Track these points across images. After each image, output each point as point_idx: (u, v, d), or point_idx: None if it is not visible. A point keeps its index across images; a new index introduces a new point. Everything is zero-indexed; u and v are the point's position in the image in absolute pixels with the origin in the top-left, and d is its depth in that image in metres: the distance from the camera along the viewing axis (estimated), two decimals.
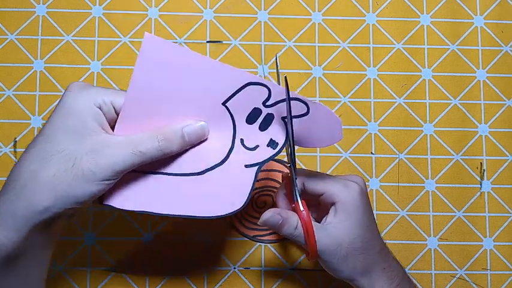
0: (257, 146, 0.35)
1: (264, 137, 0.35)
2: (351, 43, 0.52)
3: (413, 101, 0.52)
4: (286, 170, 0.47)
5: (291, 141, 0.36)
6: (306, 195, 0.40)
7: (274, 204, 0.45)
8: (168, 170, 0.34)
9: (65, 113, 0.29)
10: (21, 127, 0.49)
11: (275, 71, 0.52)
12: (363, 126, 0.51)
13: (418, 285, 0.42)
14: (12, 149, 0.49)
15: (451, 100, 0.52)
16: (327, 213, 0.39)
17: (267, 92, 0.34)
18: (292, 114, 0.34)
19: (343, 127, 0.51)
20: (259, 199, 0.49)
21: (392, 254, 0.42)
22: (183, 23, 0.52)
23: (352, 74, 0.52)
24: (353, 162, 0.51)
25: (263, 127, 0.35)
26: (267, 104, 0.35)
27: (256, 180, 0.34)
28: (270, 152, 0.35)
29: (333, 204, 0.39)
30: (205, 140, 0.34)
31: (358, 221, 0.38)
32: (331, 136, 0.37)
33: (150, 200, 0.33)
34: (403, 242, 0.50)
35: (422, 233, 0.50)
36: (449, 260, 0.49)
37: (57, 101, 0.31)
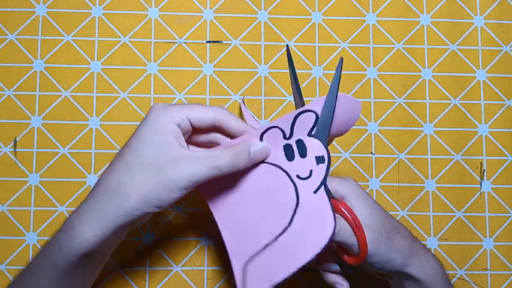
0: (311, 171, 0.36)
1: (310, 159, 0.36)
2: (351, 43, 0.52)
3: (413, 101, 0.52)
4: None
5: (327, 133, 0.37)
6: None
7: None
8: (268, 238, 0.36)
9: (149, 129, 0.34)
10: (21, 127, 0.49)
11: (275, 71, 0.52)
12: (363, 126, 0.51)
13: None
14: (12, 149, 0.49)
15: (451, 100, 0.52)
16: None
17: (278, 129, 0.37)
18: (307, 129, 0.36)
19: None
20: None
21: None
22: (183, 23, 0.52)
23: (352, 74, 0.52)
24: (353, 162, 0.51)
25: (302, 154, 0.36)
26: (287, 136, 0.37)
27: (330, 197, 0.35)
28: (323, 167, 0.36)
29: (342, 198, 0.38)
30: (276, 196, 0.36)
31: (374, 204, 0.38)
32: (351, 117, 0.38)
33: (274, 272, 0.35)
34: None
35: (422, 233, 0.50)
36: (449, 260, 0.49)
37: (142, 120, 0.35)
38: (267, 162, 0.37)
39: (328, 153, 0.36)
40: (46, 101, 0.50)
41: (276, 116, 0.51)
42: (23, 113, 0.50)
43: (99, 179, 0.34)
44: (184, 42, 0.52)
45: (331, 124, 0.36)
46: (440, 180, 0.51)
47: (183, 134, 0.35)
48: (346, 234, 0.36)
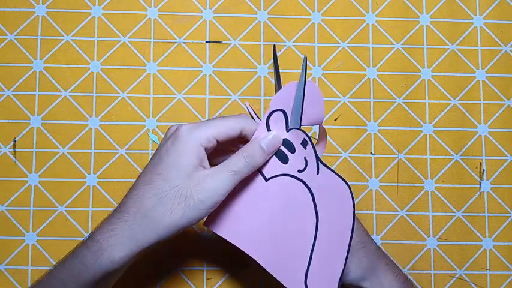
0: (305, 158, 0.37)
1: (299, 150, 0.36)
2: (351, 43, 0.52)
3: (413, 101, 0.52)
4: None
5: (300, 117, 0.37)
6: None
7: None
8: (309, 243, 0.36)
9: (176, 153, 0.34)
10: (20, 127, 0.49)
11: (274, 71, 0.52)
12: (363, 126, 0.51)
13: (417, 286, 0.43)
14: (12, 149, 0.49)
15: (451, 100, 0.52)
16: None
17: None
18: (282, 125, 0.37)
19: (342, 127, 0.51)
20: None
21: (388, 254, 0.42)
22: (183, 23, 0.52)
23: (352, 74, 0.52)
24: (352, 162, 0.51)
25: (291, 150, 0.37)
26: None
27: (328, 166, 0.37)
28: (310, 147, 0.37)
29: None
30: (292, 198, 0.37)
31: None
32: (318, 110, 0.38)
33: (332, 272, 0.36)
34: (403, 242, 0.50)
35: (421, 233, 0.50)
36: (448, 260, 0.50)
37: (167, 140, 0.35)
38: (268, 178, 0.37)
39: (305, 131, 0.36)
40: (45, 101, 0.50)
41: None
42: (23, 113, 0.50)
43: (126, 201, 0.35)
44: (184, 42, 0.52)
45: (301, 115, 0.36)
46: (440, 180, 0.51)
47: (208, 150, 0.36)
48: None
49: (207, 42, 0.52)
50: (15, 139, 0.49)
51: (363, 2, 0.53)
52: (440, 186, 0.51)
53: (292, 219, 0.36)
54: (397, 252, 0.49)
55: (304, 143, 0.36)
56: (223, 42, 0.52)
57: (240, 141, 0.37)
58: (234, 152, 0.37)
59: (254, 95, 0.51)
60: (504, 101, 0.52)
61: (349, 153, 0.51)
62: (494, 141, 0.51)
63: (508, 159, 0.51)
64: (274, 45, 0.40)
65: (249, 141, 0.37)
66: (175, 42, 0.51)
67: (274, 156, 0.37)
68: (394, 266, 0.41)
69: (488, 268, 0.50)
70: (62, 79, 0.50)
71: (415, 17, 0.53)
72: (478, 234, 0.50)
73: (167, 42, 0.51)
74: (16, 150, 0.49)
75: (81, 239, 0.48)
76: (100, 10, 0.52)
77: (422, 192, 0.50)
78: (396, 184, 0.51)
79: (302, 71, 0.36)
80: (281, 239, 0.36)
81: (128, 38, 0.51)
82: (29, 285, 0.47)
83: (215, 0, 0.52)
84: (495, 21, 0.53)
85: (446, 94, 0.52)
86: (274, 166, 0.37)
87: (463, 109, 0.52)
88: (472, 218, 0.50)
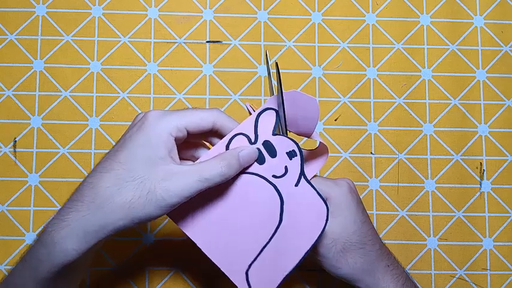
0: (286, 167, 0.36)
1: (281, 157, 0.36)
2: (351, 43, 0.52)
3: (413, 101, 0.52)
4: None
5: (283, 132, 0.37)
6: None
7: None
8: (262, 243, 0.36)
9: (142, 143, 0.32)
10: (21, 127, 0.49)
11: (274, 71, 0.52)
12: (363, 126, 0.51)
13: (419, 286, 0.43)
14: (12, 149, 0.49)
15: (451, 100, 0.52)
16: None
17: (242, 135, 0.37)
18: (271, 129, 0.37)
19: (342, 127, 0.51)
20: None
21: (392, 254, 0.42)
22: (183, 23, 0.52)
23: (352, 74, 0.52)
24: (353, 162, 0.51)
25: (272, 154, 0.36)
26: (253, 141, 0.37)
27: (313, 185, 0.36)
28: (297, 160, 0.36)
29: None
30: (258, 203, 0.36)
31: (352, 215, 0.39)
32: (312, 117, 0.38)
33: (279, 268, 0.36)
34: (403, 242, 0.50)
35: (422, 233, 0.50)
36: (449, 260, 0.49)
37: (133, 127, 0.33)
38: (239, 172, 0.36)
39: (298, 145, 0.36)
40: (46, 101, 0.50)
41: None
42: (23, 113, 0.50)
43: (81, 188, 0.32)
44: (184, 42, 0.52)
45: (285, 121, 0.36)
46: (440, 180, 0.51)
47: (178, 141, 0.34)
48: None
49: (207, 42, 0.52)
50: (16, 139, 0.49)
51: (363, 2, 0.53)
52: (441, 186, 0.51)
53: (249, 216, 0.36)
54: (397, 252, 0.49)
55: (291, 154, 0.36)
56: (224, 42, 0.52)
57: (211, 135, 0.36)
58: (205, 146, 0.37)
59: (254, 95, 0.51)
60: (504, 101, 0.52)
61: (349, 153, 0.51)
62: (494, 141, 0.51)
63: (508, 159, 0.51)
64: (266, 52, 0.41)
65: (222, 136, 0.36)
66: (176, 42, 0.51)
67: None
68: (395, 268, 0.40)
69: (488, 268, 0.50)
70: (62, 79, 0.50)
71: (416, 17, 0.53)
72: (478, 234, 0.50)
73: (167, 42, 0.51)
74: (16, 150, 0.49)
75: None
76: (100, 10, 0.52)
77: (422, 192, 0.50)
78: (396, 184, 0.50)
79: (276, 79, 0.35)
80: (232, 231, 0.36)
81: (128, 38, 0.51)
82: None
83: (215, 0, 0.52)
84: (495, 21, 0.53)
85: (447, 94, 0.52)
86: None
87: (463, 109, 0.52)
88: (472, 218, 0.50)
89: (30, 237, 0.48)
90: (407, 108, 0.52)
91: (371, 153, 0.51)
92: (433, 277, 0.49)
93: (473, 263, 0.49)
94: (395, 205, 0.50)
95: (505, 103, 0.52)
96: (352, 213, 0.39)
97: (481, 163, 0.51)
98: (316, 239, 0.36)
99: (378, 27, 0.53)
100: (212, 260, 0.36)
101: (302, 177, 0.36)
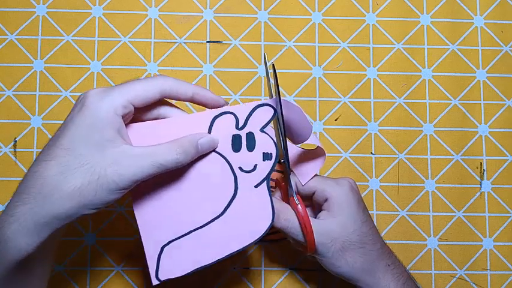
0: (256, 165, 0.36)
1: (257, 154, 0.36)
2: (351, 43, 0.52)
3: (413, 101, 0.52)
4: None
5: (283, 136, 0.37)
6: (299, 196, 0.41)
7: None
8: (195, 225, 0.36)
9: (85, 125, 0.30)
10: (21, 127, 0.49)
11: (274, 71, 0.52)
12: (363, 126, 0.51)
13: (419, 286, 0.43)
14: (12, 149, 0.49)
15: (451, 100, 0.52)
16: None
17: (233, 116, 0.36)
18: (262, 124, 0.36)
19: (342, 127, 0.51)
20: None
21: (394, 253, 0.42)
22: (183, 23, 0.52)
23: (352, 74, 0.52)
24: (353, 163, 0.51)
25: (250, 147, 0.36)
26: (239, 126, 0.36)
27: (271, 194, 0.36)
28: (269, 164, 0.36)
29: (325, 201, 0.39)
30: (212, 183, 0.36)
31: (352, 215, 0.39)
32: (306, 132, 0.38)
33: (195, 257, 0.35)
34: (403, 242, 0.50)
35: (422, 233, 0.50)
36: (449, 260, 0.49)
37: (74, 109, 0.31)
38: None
39: (277, 152, 0.36)
40: (46, 101, 0.50)
41: None
42: (23, 113, 0.50)
43: (25, 180, 0.30)
44: (184, 42, 0.52)
45: (283, 123, 0.36)
46: (440, 180, 0.51)
47: (126, 118, 0.32)
48: (296, 231, 0.38)
49: (207, 42, 0.52)
50: (16, 139, 0.49)
51: (363, 2, 0.53)
52: (441, 186, 0.51)
53: (195, 193, 0.35)
54: (397, 252, 0.49)
55: (266, 156, 0.36)
56: (224, 42, 0.52)
57: (162, 104, 0.35)
58: (168, 104, 0.35)
59: (254, 95, 0.51)
60: (504, 101, 0.52)
61: (349, 153, 0.51)
62: (494, 141, 0.51)
63: (508, 159, 0.51)
64: (264, 54, 0.42)
65: (175, 99, 0.34)
66: (176, 42, 0.51)
67: (232, 136, 0.36)
68: (396, 267, 0.40)
69: (488, 268, 0.50)
70: (62, 79, 0.50)
71: (416, 17, 0.53)
72: (478, 234, 0.50)
73: (167, 42, 0.51)
74: (17, 150, 0.49)
75: (82, 239, 0.48)
76: (100, 10, 0.52)
77: (422, 192, 0.50)
78: (397, 184, 0.51)
79: (274, 81, 0.35)
80: (172, 202, 0.35)
81: (129, 38, 0.51)
82: None
83: (215, 0, 0.52)
84: (495, 21, 0.53)
85: (447, 94, 0.52)
86: (223, 144, 0.36)
87: (463, 109, 0.52)
88: (472, 218, 0.50)
89: None
90: (407, 108, 0.52)
91: (371, 153, 0.51)
92: (433, 277, 0.49)
93: (473, 263, 0.49)
94: (395, 205, 0.50)
95: (505, 103, 0.52)
96: (353, 213, 0.39)
97: (481, 163, 0.51)
98: (244, 245, 0.35)
99: (378, 27, 0.53)
100: (138, 223, 0.35)
101: (265, 182, 0.36)
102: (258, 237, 0.35)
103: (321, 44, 0.52)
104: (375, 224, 0.50)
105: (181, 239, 0.35)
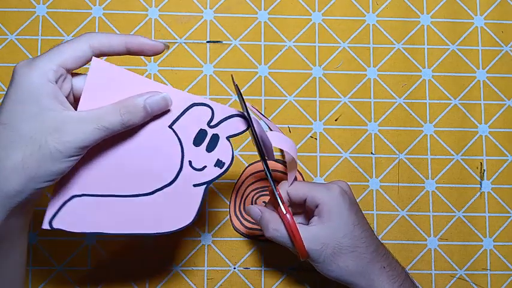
0: (205, 167, 0.36)
1: (211, 157, 0.36)
2: (351, 43, 0.52)
3: (413, 101, 0.52)
4: (286, 170, 0.47)
5: (262, 148, 0.37)
6: (292, 204, 0.42)
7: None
8: (118, 192, 0.35)
9: (19, 97, 0.29)
10: None
11: (275, 71, 0.52)
12: (363, 126, 0.51)
13: (419, 286, 0.43)
14: None
15: (451, 100, 0.52)
16: None
17: (210, 112, 0.36)
18: (231, 133, 0.36)
19: (342, 127, 0.51)
20: (259, 199, 0.49)
21: (392, 254, 0.42)
22: (183, 23, 0.52)
23: (352, 74, 0.52)
24: (353, 163, 0.51)
25: (210, 148, 0.36)
26: (211, 124, 0.36)
27: (204, 197, 0.36)
28: (217, 171, 0.36)
29: (316, 207, 0.40)
30: (155, 162, 0.35)
31: (343, 219, 0.39)
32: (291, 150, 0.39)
33: (99, 221, 0.35)
34: (403, 242, 0.50)
35: (422, 233, 0.50)
36: (449, 260, 0.50)
37: (9, 86, 0.30)
38: (174, 130, 0.35)
39: (230, 164, 0.36)
40: None
41: (277, 116, 0.51)
42: None
43: None
44: (185, 42, 0.52)
45: (257, 139, 0.36)
46: (440, 180, 0.51)
47: (62, 83, 0.31)
48: (285, 240, 0.39)
49: (207, 42, 0.52)
50: None
51: (363, 2, 0.53)
52: (441, 186, 0.51)
53: (132, 162, 0.34)
54: (397, 252, 0.49)
55: (219, 163, 0.36)
56: (224, 42, 0.52)
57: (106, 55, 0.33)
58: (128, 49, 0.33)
59: (254, 95, 0.51)
60: (504, 101, 0.52)
61: (349, 153, 0.51)
62: (494, 141, 0.51)
63: (508, 159, 0.51)
64: (232, 76, 0.41)
65: (110, 54, 0.33)
66: (176, 42, 0.51)
67: (199, 129, 0.35)
68: (392, 269, 0.40)
69: (488, 268, 0.50)
70: None
71: (416, 17, 0.53)
72: (478, 234, 0.50)
73: (168, 42, 0.51)
74: None
75: (82, 239, 0.48)
76: (100, 10, 0.52)
77: (422, 192, 0.50)
78: (397, 184, 0.51)
79: (239, 99, 0.36)
80: (103, 161, 0.34)
81: None
82: (30, 283, 0.47)
83: (216, 0, 0.52)
84: (495, 21, 0.53)
85: (447, 94, 0.52)
86: (187, 133, 0.35)
87: (463, 109, 0.52)
88: (472, 218, 0.50)
89: (31, 237, 0.48)
90: (407, 108, 0.52)
91: (371, 153, 0.51)
92: (433, 277, 0.49)
93: (473, 263, 0.49)
94: (395, 205, 0.50)
95: (505, 103, 0.52)
96: (343, 217, 0.39)
97: (481, 163, 0.51)
98: (148, 233, 0.35)
99: (378, 27, 0.53)
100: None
101: (205, 186, 0.36)
102: (164, 231, 0.35)
103: (321, 44, 0.52)
104: (375, 224, 0.50)
105: (96, 197, 0.34)
